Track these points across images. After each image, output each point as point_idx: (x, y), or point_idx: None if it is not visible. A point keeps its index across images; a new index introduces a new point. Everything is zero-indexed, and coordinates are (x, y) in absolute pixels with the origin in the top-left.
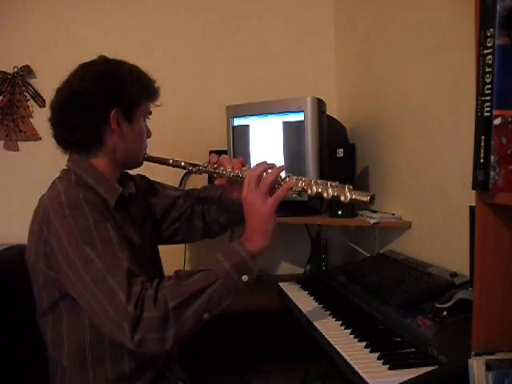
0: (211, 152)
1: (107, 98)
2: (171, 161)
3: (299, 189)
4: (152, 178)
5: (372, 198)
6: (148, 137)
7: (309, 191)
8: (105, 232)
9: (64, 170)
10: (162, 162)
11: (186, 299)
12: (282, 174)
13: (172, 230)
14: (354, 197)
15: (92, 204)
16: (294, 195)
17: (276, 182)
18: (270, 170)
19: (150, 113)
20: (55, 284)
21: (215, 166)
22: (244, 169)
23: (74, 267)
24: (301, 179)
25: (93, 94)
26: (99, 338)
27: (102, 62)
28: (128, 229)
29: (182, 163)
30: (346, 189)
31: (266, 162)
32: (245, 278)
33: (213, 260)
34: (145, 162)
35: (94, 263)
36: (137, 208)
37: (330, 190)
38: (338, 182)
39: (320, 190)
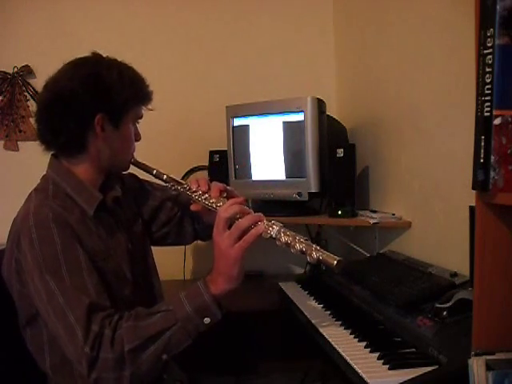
0: (211, 152)
1: (94, 102)
2: (155, 171)
3: (267, 236)
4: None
5: (339, 263)
6: (137, 140)
7: (277, 242)
8: (73, 257)
9: (43, 177)
10: (147, 170)
11: (142, 342)
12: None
13: (162, 234)
14: (321, 257)
15: (61, 224)
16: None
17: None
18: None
19: (141, 117)
20: (29, 300)
21: (193, 190)
22: (221, 199)
23: (39, 295)
24: (271, 226)
25: (79, 98)
26: None
27: (94, 62)
28: (114, 236)
29: (165, 176)
30: (313, 247)
31: (240, 202)
32: (207, 320)
33: (175, 297)
34: None
35: (56, 297)
36: (126, 210)
37: (298, 245)
38: (306, 238)
39: (289, 241)
